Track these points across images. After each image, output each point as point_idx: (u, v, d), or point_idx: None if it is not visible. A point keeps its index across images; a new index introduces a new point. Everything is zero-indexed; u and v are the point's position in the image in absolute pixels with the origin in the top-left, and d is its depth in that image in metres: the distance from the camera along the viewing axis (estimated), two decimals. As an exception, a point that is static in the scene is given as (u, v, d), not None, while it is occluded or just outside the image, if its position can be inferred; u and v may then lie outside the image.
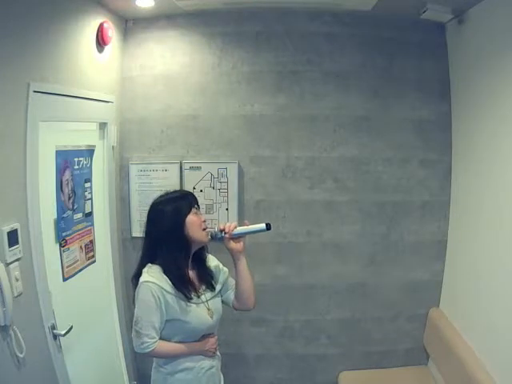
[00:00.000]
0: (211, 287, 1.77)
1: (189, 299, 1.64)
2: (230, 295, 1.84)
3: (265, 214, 2.71)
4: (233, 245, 1.73)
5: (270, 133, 2.66)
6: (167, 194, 1.76)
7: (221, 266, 1.87)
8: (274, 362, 2.87)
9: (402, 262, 2.74)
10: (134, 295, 1.64)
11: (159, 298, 1.59)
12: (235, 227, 1.73)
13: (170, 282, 1.62)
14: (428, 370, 2.73)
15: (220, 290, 1.83)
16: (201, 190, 2.69)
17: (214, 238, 1.73)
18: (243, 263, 1.76)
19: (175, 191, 1.79)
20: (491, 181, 2.15)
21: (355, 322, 2.80)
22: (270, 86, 2.64)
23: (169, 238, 1.64)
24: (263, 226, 1.75)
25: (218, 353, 1.83)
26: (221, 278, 1.83)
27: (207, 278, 1.77)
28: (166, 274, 1.63)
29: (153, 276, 1.61)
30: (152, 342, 1.59)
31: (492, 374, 1.99)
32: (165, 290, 1.60)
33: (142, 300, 1.59)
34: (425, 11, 2.30)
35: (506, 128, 1.99)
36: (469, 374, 2.08)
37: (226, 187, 2.69)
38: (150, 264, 1.66)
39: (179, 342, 1.67)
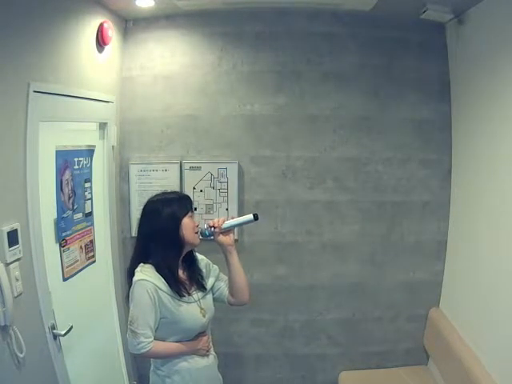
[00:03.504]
0: (202, 287, 1.78)
1: (181, 297, 1.65)
2: (224, 291, 1.85)
3: (265, 213, 2.70)
4: (223, 239, 1.76)
5: (270, 133, 2.66)
6: (164, 193, 1.77)
7: (211, 264, 1.88)
8: (273, 362, 2.87)
9: (402, 262, 2.74)
10: (129, 295, 1.64)
11: (154, 296, 1.59)
12: (224, 221, 1.76)
13: (163, 281, 1.63)
14: (428, 370, 2.73)
15: (212, 288, 1.83)
16: (201, 190, 2.69)
17: (204, 235, 1.75)
18: (235, 256, 1.79)
19: (172, 192, 1.80)
20: (491, 181, 2.15)
21: (355, 321, 2.80)
22: (270, 86, 2.64)
23: (163, 237, 1.65)
24: (251, 216, 1.78)
25: (213, 352, 1.83)
26: (211, 275, 1.84)
27: (197, 278, 1.78)
28: (159, 273, 1.64)
29: (146, 274, 1.62)
30: (148, 341, 1.59)
31: (492, 373, 1.99)
32: (159, 288, 1.61)
33: (138, 299, 1.59)
34: (425, 11, 2.30)
35: (506, 128, 1.98)
36: (469, 374, 2.08)
37: (226, 187, 2.69)
38: (142, 264, 1.66)
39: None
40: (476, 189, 2.33)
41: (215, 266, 1.89)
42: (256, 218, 1.78)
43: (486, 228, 2.19)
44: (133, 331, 1.59)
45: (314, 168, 2.68)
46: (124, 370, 2.64)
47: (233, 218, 1.80)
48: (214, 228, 1.74)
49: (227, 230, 1.77)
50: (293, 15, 2.58)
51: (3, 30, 1.54)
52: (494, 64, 2.07)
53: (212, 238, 1.77)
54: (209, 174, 2.68)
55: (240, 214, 2.67)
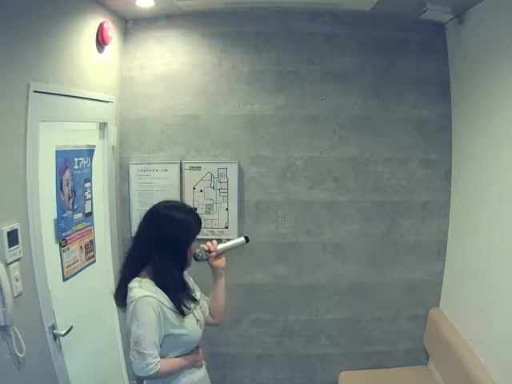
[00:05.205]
0: (193, 299, 1.72)
1: (182, 314, 1.58)
2: (206, 310, 1.82)
3: (265, 214, 2.71)
4: (217, 262, 1.78)
5: (270, 133, 2.66)
6: (174, 202, 1.75)
7: (191, 278, 1.83)
8: (273, 362, 2.86)
9: (402, 262, 2.74)
10: (129, 312, 1.52)
11: (159, 312, 1.51)
12: (217, 245, 1.78)
13: (165, 295, 1.55)
14: (428, 370, 2.73)
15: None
16: (201, 190, 2.69)
17: (199, 259, 1.74)
18: (223, 279, 1.80)
19: (184, 204, 1.78)
20: (491, 181, 2.15)
21: (355, 322, 2.80)
22: (270, 86, 2.64)
23: (173, 248, 1.58)
24: (243, 239, 1.84)
25: (203, 361, 1.80)
26: (196, 289, 1.80)
27: (188, 291, 1.73)
28: (162, 288, 1.55)
29: (148, 289, 1.52)
30: (156, 361, 1.48)
31: (492, 373, 1.99)
32: (163, 304, 1.53)
33: (143, 317, 1.48)
34: (425, 11, 2.31)
35: (505, 128, 1.98)
36: (469, 374, 2.08)
37: (226, 187, 2.69)
38: (137, 278, 1.56)
39: (175, 357, 1.62)
40: (476, 189, 2.33)
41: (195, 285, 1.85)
42: (247, 240, 1.84)
43: (485, 228, 2.19)
44: (140, 353, 1.46)
45: (314, 168, 2.68)
46: (124, 370, 2.64)
47: (224, 242, 1.81)
48: (210, 252, 1.75)
49: (220, 254, 1.79)
50: (293, 15, 2.58)
51: (3, 30, 1.54)
52: (494, 64, 2.07)
53: (205, 260, 1.77)
54: (209, 174, 2.68)
55: (240, 214, 2.69)
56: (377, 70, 2.62)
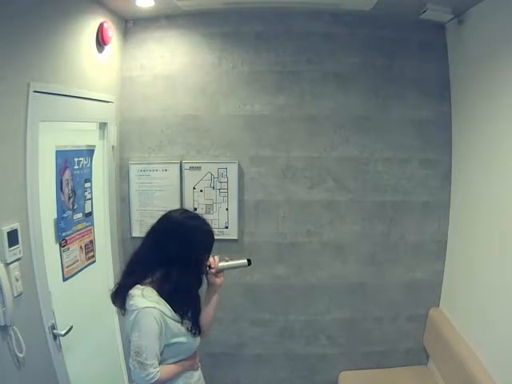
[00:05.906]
0: None
1: (195, 334, 1.61)
2: None
3: (265, 213, 2.71)
4: (216, 279, 1.74)
5: (270, 133, 2.66)
6: (193, 212, 1.74)
7: None
8: (273, 362, 2.86)
9: (402, 262, 2.74)
10: (131, 321, 1.50)
11: (161, 323, 1.50)
12: (218, 261, 1.75)
13: (167, 305, 1.55)
14: (428, 370, 2.73)
15: None
16: (201, 190, 2.69)
17: None
18: (217, 297, 1.78)
19: (199, 214, 1.75)
20: (491, 181, 2.15)
21: (355, 322, 2.80)
22: (270, 86, 2.64)
23: (193, 261, 1.59)
24: (245, 261, 1.78)
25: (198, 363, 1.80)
26: None
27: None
28: (162, 298, 1.54)
29: (151, 300, 1.51)
30: (156, 371, 1.48)
31: (492, 373, 1.99)
32: (165, 314, 1.52)
33: (145, 328, 1.47)
34: (425, 11, 2.30)
35: (505, 128, 1.99)
36: (469, 374, 2.08)
37: (226, 187, 2.69)
38: (139, 286, 1.54)
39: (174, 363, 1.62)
40: (476, 188, 2.33)
41: None
42: (249, 263, 1.78)
43: (485, 228, 2.19)
44: (141, 363, 1.46)
45: (314, 168, 2.68)
46: (124, 370, 2.64)
47: (226, 261, 1.77)
48: (210, 268, 1.72)
49: (220, 271, 1.75)
50: (293, 15, 2.58)
51: (3, 29, 1.54)
52: (494, 64, 2.07)
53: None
54: (209, 174, 2.68)
55: (240, 214, 2.69)
56: (377, 70, 2.62)
